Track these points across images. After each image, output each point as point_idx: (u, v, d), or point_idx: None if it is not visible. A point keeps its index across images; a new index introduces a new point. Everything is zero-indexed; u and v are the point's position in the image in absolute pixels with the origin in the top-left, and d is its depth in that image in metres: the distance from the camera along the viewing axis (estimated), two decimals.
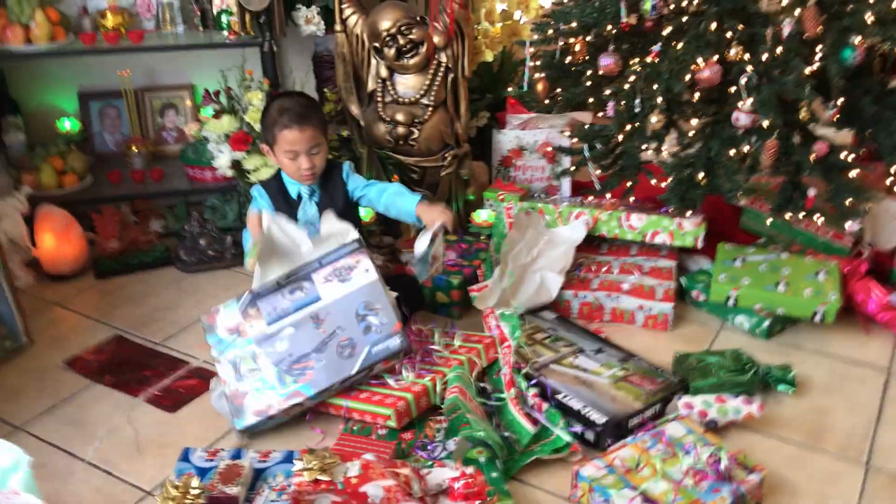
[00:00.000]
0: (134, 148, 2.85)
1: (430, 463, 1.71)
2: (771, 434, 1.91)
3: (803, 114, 2.21)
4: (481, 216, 2.61)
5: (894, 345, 2.26)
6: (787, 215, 2.35)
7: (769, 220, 2.46)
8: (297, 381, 1.87)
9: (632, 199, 2.57)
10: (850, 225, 2.36)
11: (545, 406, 1.87)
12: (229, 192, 2.81)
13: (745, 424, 1.91)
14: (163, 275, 2.62)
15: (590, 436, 1.84)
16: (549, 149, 2.81)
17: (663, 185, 2.41)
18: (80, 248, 2.56)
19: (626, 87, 2.38)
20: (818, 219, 2.37)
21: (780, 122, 2.17)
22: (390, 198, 2.18)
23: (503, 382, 1.92)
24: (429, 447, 1.75)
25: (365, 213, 2.49)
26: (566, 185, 2.89)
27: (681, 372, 2.06)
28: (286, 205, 2.16)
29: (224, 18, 2.63)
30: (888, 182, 2.47)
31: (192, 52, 2.77)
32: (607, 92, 2.42)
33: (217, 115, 2.53)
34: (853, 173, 2.31)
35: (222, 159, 2.51)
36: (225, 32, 2.64)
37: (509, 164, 2.89)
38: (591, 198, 2.62)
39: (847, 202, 2.29)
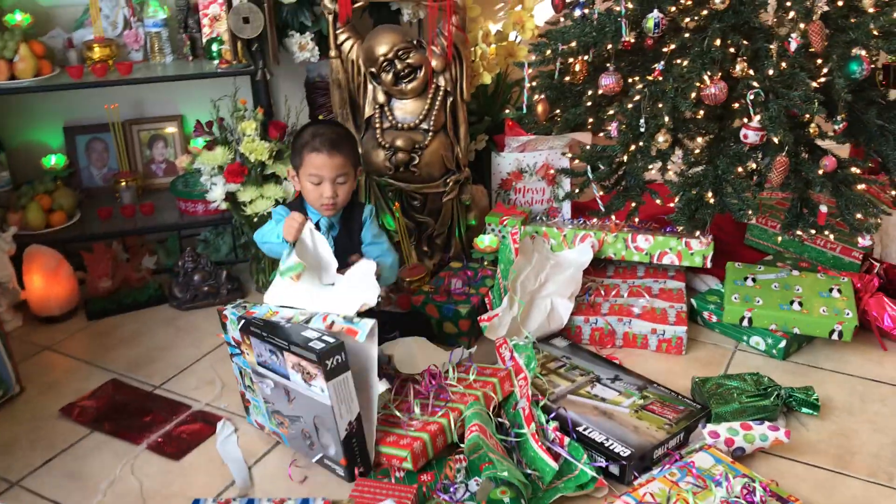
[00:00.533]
0: (123, 182, 2.77)
1: None
2: (798, 460, 1.85)
3: (812, 129, 2.18)
4: (484, 241, 2.55)
5: None
6: (798, 232, 2.31)
7: (779, 238, 2.42)
8: (277, 428, 1.87)
9: (636, 219, 2.53)
10: (862, 241, 2.32)
11: (567, 440, 1.80)
12: (222, 225, 2.73)
13: (772, 451, 1.85)
14: (157, 313, 2.53)
15: (614, 469, 1.77)
16: (552, 171, 2.76)
17: (671, 204, 2.36)
18: (70, 288, 2.47)
19: (630, 106, 2.34)
20: (829, 235, 2.33)
21: (791, 139, 2.13)
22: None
23: (522, 417, 1.85)
24: (451, 489, 1.67)
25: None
26: (567, 207, 2.84)
27: (701, 398, 2.00)
28: None
29: (215, 47, 2.56)
30: (894, 194, 2.45)
31: (180, 82, 2.69)
32: (610, 112, 2.38)
33: (210, 146, 2.45)
34: (860, 187, 2.28)
35: (216, 192, 2.43)
36: (216, 61, 2.57)
37: (509, 187, 2.83)
38: (595, 220, 2.57)
39: (857, 216, 2.26)
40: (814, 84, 2.17)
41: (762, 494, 1.61)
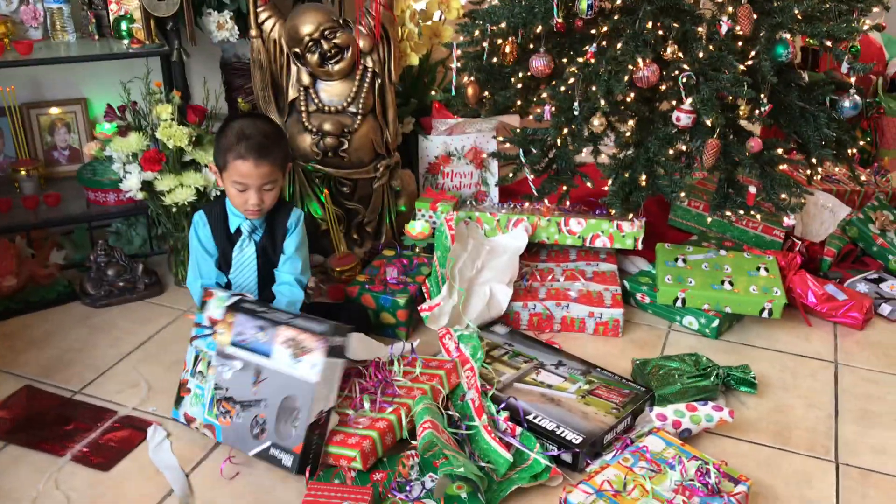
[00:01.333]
0: (23, 171, 2.56)
1: None
2: (741, 438, 1.89)
3: (742, 111, 2.22)
4: (416, 228, 2.49)
5: (835, 335, 2.30)
6: (727, 213, 2.35)
7: (709, 219, 2.46)
8: (216, 419, 1.77)
9: (567, 203, 2.52)
10: (787, 220, 2.39)
11: (519, 430, 1.77)
12: (135, 215, 2.57)
13: (716, 431, 1.88)
14: (68, 312, 2.35)
15: (566, 457, 1.76)
16: (484, 155, 2.72)
17: (605, 188, 2.36)
18: None
19: (563, 89, 2.32)
20: (756, 215, 2.38)
21: (724, 121, 2.16)
22: (279, 283, 2.05)
23: (472, 408, 1.81)
24: (407, 487, 1.62)
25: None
26: (495, 191, 2.81)
27: (643, 380, 2.02)
28: (225, 238, 1.97)
29: (124, 25, 2.39)
30: (809, 173, 2.52)
31: (83, 63, 2.50)
32: (543, 95, 2.35)
33: (123, 132, 2.29)
34: (783, 167, 2.34)
35: (132, 181, 2.28)
36: (125, 41, 2.39)
37: (437, 170, 2.78)
38: (527, 204, 2.55)
39: (782, 196, 2.31)
40: (741, 67, 2.20)
41: (716, 476, 1.63)
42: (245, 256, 1.99)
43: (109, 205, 2.52)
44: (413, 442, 1.72)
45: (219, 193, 2.36)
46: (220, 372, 1.79)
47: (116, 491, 1.71)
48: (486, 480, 1.65)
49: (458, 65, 2.55)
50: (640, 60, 2.18)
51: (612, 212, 2.36)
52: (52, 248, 2.50)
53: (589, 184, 2.49)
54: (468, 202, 2.69)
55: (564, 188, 2.48)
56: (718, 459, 1.72)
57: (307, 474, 1.66)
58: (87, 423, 1.91)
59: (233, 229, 1.98)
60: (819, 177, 2.56)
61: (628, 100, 2.31)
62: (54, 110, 2.70)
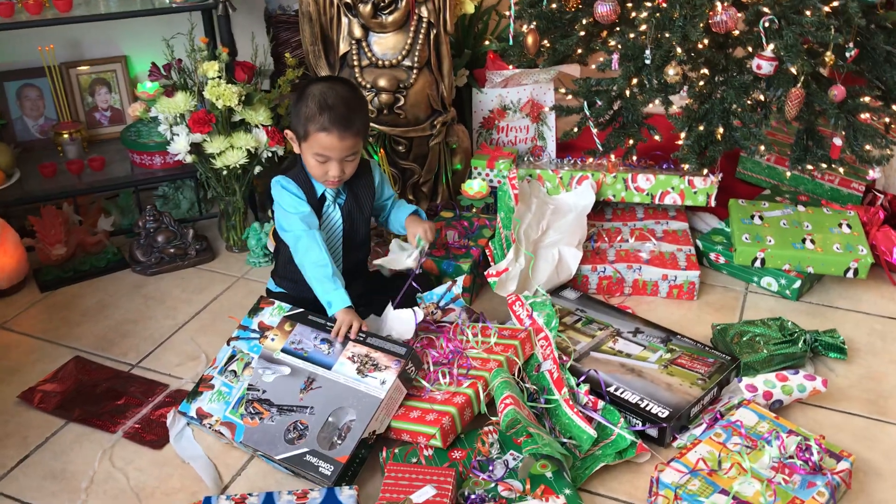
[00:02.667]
0: (65, 134, 2.47)
1: (493, 485, 1.50)
2: (833, 408, 1.78)
3: (828, 57, 2.06)
4: (473, 187, 2.38)
5: None
6: (808, 167, 2.21)
7: (788, 174, 2.32)
8: (241, 419, 1.67)
9: (634, 157, 2.39)
10: (872, 173, 2.24)
11: (601, 403, 1.68)
12: (182, 177, 2.48)
13: (807, 401, 1.78)
14: (120, 280, 2.28)
15: (651, 431, 1.67)
16: (546, 108, 2.58)
17: (679, 142, 2.22)
18: (18, 258, 2.19)
19: (633, 36, 2.17)
20: (840, 169, 2.24)
21: (810, 69, 2.00)
22: (392, 210, 2.06)
23: (549, 381, 1.72)
24: (489, 467, 1.53)
25: None
26: (552, 145, 2.68)
27: (725, 347, 1.91)
28: (312, 203, 1.86)
29: None
30: (888, 122, 2.36)
31: (122, 19, 2.39)
32: (611, 43, 2.21)
33: (169, 92, 2.18)
34: (865, 116, 2.18)
35: (180, 143, 2.18)
36: None
37: (491, 125, 2.65)
38: (591, 159, 2.42)
39: (866, 148, 2.17)
40: (825, 9, 2.04)
41: (818, 452, 1.53)
42: (332, 222, 1.89)
43: (156, 168, 2.43)
44: (492, 418, 1.63)
45: (270, 155, 2.26)
46: (260, 374, 1.72)
47: (177, 470, 1.64)
48: (571, 458, 1.56)
49: (515, 11, 2.41)
50: (718, 4, 2.02)
51: (686, 167, 2.23)
52: (98, 214, 2.42)
53: (657, 137, 2.35)
54: (525, 158, 2.56)
55: (631, 142, 2.35)
56: (817, 434, 1.62)
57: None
58: (138, 397, 1.84)
59: (318, 195, 1.88)
60: None
61: (700, 47, 2.16)
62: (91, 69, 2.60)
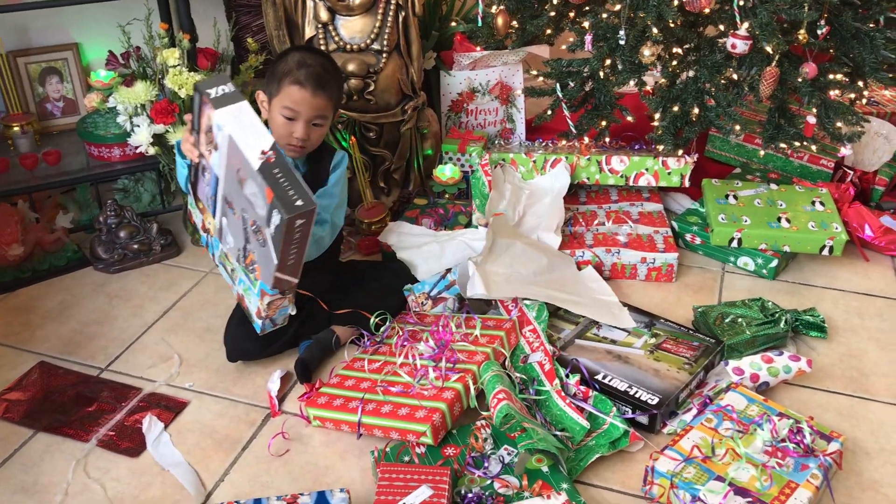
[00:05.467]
0: (16, 127, 2.35)
1: (489, 482, 1.47)
2: (816, 388, 1.79)
3: (801, 36, 2.05)
4: (445, 173, 2.33)
5: (895, 269, 2.20)
6: (782, 145, 2.21)
7: (762, 152, 2.32)
8: (256, 279, 1.57)
9: (607, 139, 2.37)
10: (843, 150, 2.25)
11: (592, 393, 1.66)
12: (143, 170, 2.38)
13: (790, 381, 1.78)
14: (82, 279, 2.18)
15: (642, 418, 1.65)
16: (518, 92, 2.54)
17: (655, 123, 2.20)
18: None
19: (605, 16, 2.14)
20: (812, 147, 2.25)
21: (785, 47, 1.99)
22: None
23: (539, 372, 1.69)
24: (484, 463, 1.50)
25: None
26: (521, 127, 2.65)
27: (708, 329, 1.90)
28: None
29: None
30: (854, 98, 2.37)
31: (73, 5, 2.27)
32: (585, 24, 2.17)
33: (128, 81, 2.09)
34: (835, 93, 2.19)
35: (141, 135, 2.09)
36: None
37: (460, 108, 2.60)
38: (563, 142, 2.39)
39: (838, 125, 2.17)
40: None
41: (811, 435, 1.53)
42: None
43: (114, 160, 2.32)
44: (483, 412, 1.60)
45: None
46: (231, 247, 1.63)
47: (160, 479, 1.58)
48: (566, 451, 1.54)
49: None
50: None
51: (661, 148, 2.21)
52: (56, 210, 2.31)
53: (630, 118, 2.33)
54: (495, 141, 2.53)
55: (604, 123, 2.32)
56: (805, 415, 1.62)
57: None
58: (111, 403, 1.77)
59: None
60: (865, 101, 2.41)
61: (673, 26, 2.13)
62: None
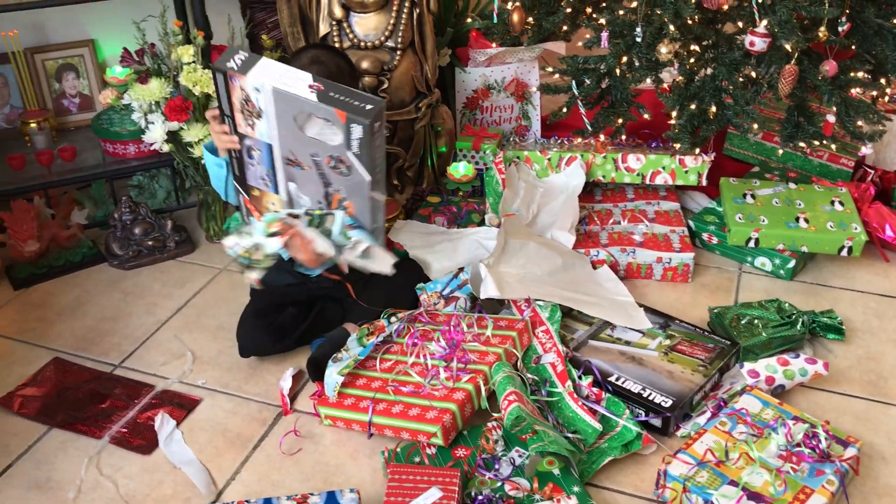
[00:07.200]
0: (33, 123, 2.36)
1: (500, 484, 1.46)
2: (833, 391, 1.77)
3: (822, 33, 2.02)
4: (459, 170, 2.32)
5: None
6: (801, 144, 2.18)
7: (780, 151, 2.29)
8: (350, 215, 1.63)
9: (623, 137, 2.35)
10: (864, 149, 2.22)
11: (604, 395, 1.64)
12: (158, 166, 2.38)
13: (807, 384, 1.76)
14: (96, 275, 2.19)
15: (655, 421, 1.64)
16: (533, 89, 2.52)
17: (671, 122, 2.18)
18: None
19: (622, 13, 2.11)
20: (832, 146, 2.21)
21: (805, 45, 1.97)
22: None
23: (551, 373, 1.68)
24: (495, 465, 1.49)
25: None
26: (537, 124, 2.63)
27: (724, 331, 1.88)
28: None
29: None
30: (875, 95, 2.34)
31: (90, 2, 2.27)
32: (601, 21, 2.15)
33: (142, 78, 2.09)
34: (856, 91, 2.16)
35: (155, 132, 2.09)
36: None
37: (475, 105, 2.58)
38: (578, 139, 2.37)
39: (858, 124, 2.14)
40: None
41: (826, 440, 1.51)
42: None
43: (129, 157, 2.33)
44: (494, 414, 1.59)
45: None
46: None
47: (172, 476, 1.58)
48: (577, 454, 1.53)
49: None
50: None
51: (678, 146, 2.19)
52: (71, 206, 2.32)
53: (646, 115, 2.31)
54: (510, 139, 2.51)
55: (620, 121, 2.30)
56: (821, 419, 1.60)
57: None
58: (124, 400, 1.77)
59: None
60: (886, 99, 2.38)
61: (690, 23, 2.11)
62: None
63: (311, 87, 1.47)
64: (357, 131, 1.44)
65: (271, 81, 1.49)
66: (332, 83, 1.50)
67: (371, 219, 1.63)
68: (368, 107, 1.46)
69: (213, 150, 1.79)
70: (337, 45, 2.17)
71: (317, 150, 1.51)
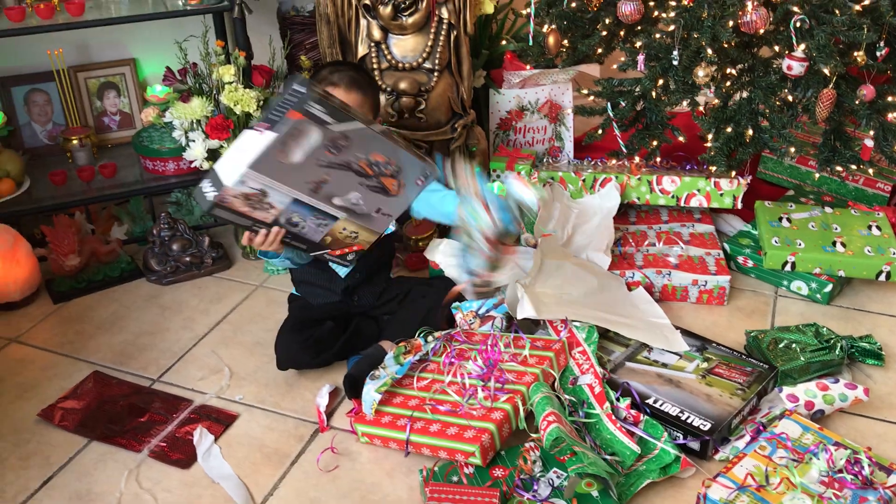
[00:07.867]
0: (75, 140, 2.40)
1: None
2: (874, 417, 1.75)
3: (860, 57, 2.02)
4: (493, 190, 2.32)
5: None
6: (838, 168, 2.18)
7: (817, 175, 2.28)
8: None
9: (658, 159, 2.35)
10: None
11: (643, 417, 1.64)
12: (196, 183, 2.41)
13: (847, 410, 1.74)
14: (135, 290, 2.23)
15: (693, 444, 1.63)
16: (567, 111, 2.53)
17: (707, 144, 2.18)
18: (30, 268, 2.13)
19: (658, 36, 2.12)
20: (869, 170, 2.21)
21: (843, 70, 1.96)
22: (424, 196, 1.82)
23: (589, 394, 1.68)
24: (533, 486, 1.49)
25: None
26: (570, 146, 2.64)
27: (759, 354, 1.87)
28: None
29: None
30: None
31: (132, 23, 2.32)
32: (638, 44, 2.16)
33: (184, 97, 2.12)
34: (893, 115, 2.15)
35: (196, 149, 2.12)
36: None
37: (508, 126, 2.60)
38: (613, 161, 2.38)
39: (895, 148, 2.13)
40: (857, 7, 2.00)
41: (869, 465, 1.49)
42: None
43: (168, 174, 2.37)
44: (532, 434, 1.59)
45: None
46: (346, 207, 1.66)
47: (210, 491, 1.59)
48: (616, 476, 1.52)
49: (534, 10, 2.36)
50: (748, 3, 1.98)
51: (713, 169, 2.19)
52: (111, 222, 2.36)
53: (681, 138, 2.31)
54: (543, 160, 2.52)
55: (655, 143, 2.31)
56: (864, 446, 1.58)
57: None
58: (162, 414, 1.79)
59: None
60: None
61: (727, 46, 2.12)
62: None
63: (258, 131, 1.44)
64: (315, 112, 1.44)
65: (240, 167, 1.46)
66: (270, 111, 1.45)
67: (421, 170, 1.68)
68: (298, 89, 1.42)
69: (272, 255, 1.80)
70: (375, 65, 2.20)
71: (315, 159, 1.51)
